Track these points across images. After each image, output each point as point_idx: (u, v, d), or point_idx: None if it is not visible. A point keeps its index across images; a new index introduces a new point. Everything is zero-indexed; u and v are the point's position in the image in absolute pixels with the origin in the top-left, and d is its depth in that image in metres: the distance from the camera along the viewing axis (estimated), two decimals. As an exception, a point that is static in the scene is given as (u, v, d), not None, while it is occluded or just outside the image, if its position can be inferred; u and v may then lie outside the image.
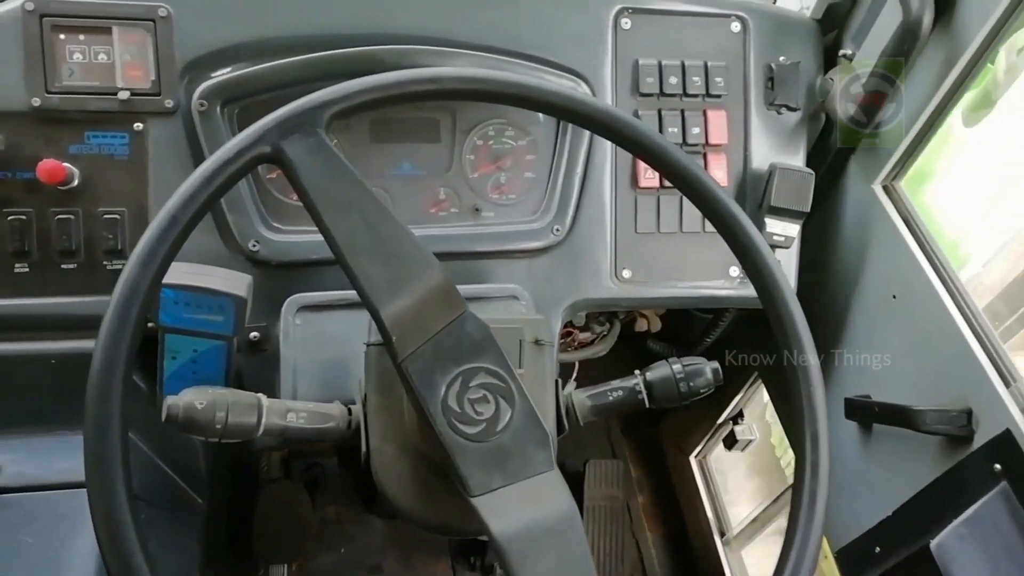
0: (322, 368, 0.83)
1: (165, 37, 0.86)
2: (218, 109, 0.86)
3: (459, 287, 0.88)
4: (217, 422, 0.65)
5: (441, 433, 0.61)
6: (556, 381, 0.75)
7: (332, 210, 0.61)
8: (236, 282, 0.82)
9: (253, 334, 0.89)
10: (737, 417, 1.46)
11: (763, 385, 1.36)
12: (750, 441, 1.45)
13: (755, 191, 1.03)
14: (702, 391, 0.77)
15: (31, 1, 0.82)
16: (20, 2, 0.82)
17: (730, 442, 1.45)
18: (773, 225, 1.00)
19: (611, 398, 0.77)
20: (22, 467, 0.84)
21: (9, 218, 0.83)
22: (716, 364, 0.78)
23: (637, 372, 0.78)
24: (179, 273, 0.80)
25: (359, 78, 0.63)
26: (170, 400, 0.64)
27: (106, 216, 0.85)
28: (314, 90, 0.85)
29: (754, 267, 0.67)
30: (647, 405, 0.77)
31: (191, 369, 0.85)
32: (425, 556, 1.39)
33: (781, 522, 1.47)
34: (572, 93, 0.66)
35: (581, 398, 0.77)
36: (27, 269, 0.84)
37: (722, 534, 1.54)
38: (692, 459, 1.62)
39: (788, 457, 1.76)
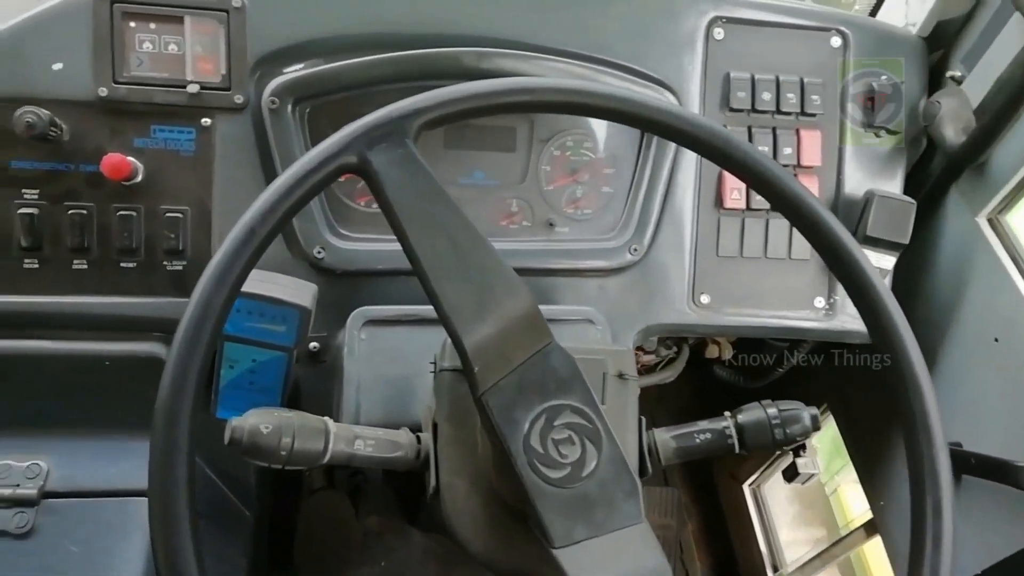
0: (387, 387, 0.78)
1: (238, 29, 0.81)
2: (289, 107, 0.82)
3: None
4: (282, 448, 0.60)
5: (522, 475, 0.56)
6: (640, 419, 0.70)
7: (418, 228, 0.56)
8: (301, 292, 0.78)
9: (313, 344, 0.85)
10: (799, 448, 1.39)
11: (831, 416, 1.29)
12: (812, 475, 1.38)
13: (848, 218, 0.96)
14: (798, 439, 0.71)
15: None
16: (91, -13, 0.79)
17: (791, 474, 1.36)
18: (869, 256, 0.93)
19: (698, 440, 0.71)
20: (70, 471, 0.80)
21: (70, 212, 0.79)
22: (815, 410, 0.72)
23: (727, 414, 0.72)
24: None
25: (452, 86, 0.58)
26: (234, 422, 0.60)
27: (168, 214, 0.81)
28: (390, 91, 0.81)
29: (873, 314, 0.60)
30: (737, 451, 0.71)
31: (248, 379, 0.81)
32: (467, 574, 1.34)
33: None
34: (684, 112, 0.60)
35: (665, 439, 0.71)
36: (85, 266, 0.80)
37: (775, 569, 1.47)
38: (746, 487, 1.56)
39: (833, 485, 1.69)
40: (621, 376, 0.68)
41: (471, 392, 0.58)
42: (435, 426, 0.66)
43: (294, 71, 0.83)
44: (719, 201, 0.95)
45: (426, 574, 1.34)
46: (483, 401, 0.57)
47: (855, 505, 1.58)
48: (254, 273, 0.77)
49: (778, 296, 0.97)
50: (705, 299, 0.95)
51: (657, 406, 1.51)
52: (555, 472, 0.56)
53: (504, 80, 0.59)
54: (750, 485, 1.55)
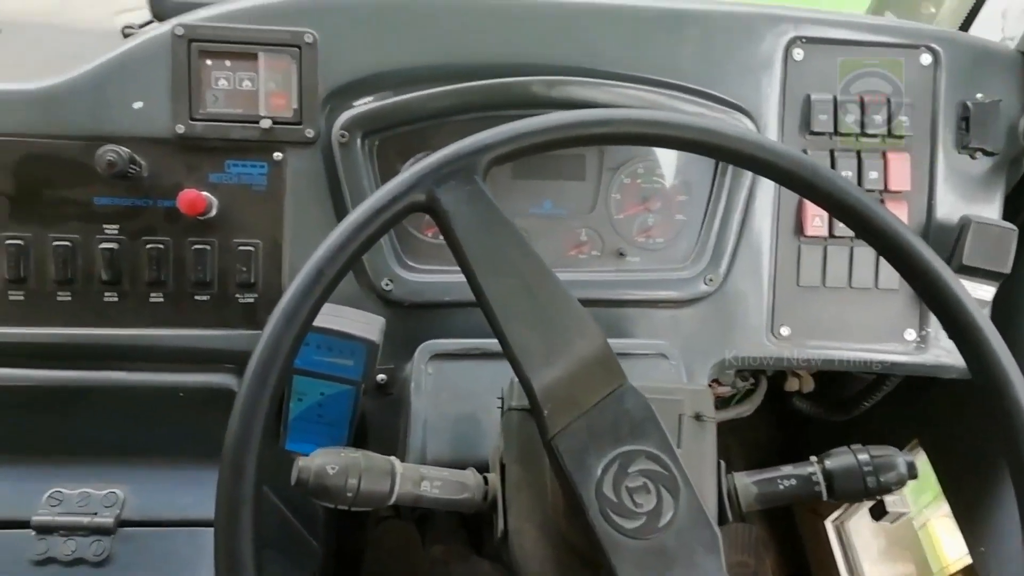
0: (454, 424, 0.77)
1: (310, 64, 0.82)
2: (359, 140, 0.82)
3: None
4: (348, 489, 0.59)
5: (594, 525, 0.53)
6: (719, 463, 0.66)
7: (488, 269, 0.55)
8: (370, 326, 0.77)
9: (381, 376, 0.85)
10: (886, 486, 1.31)
11: (923, 453, 1.21)
12: (902, 514, 1.30)
13: (941, 246, 0.90)
14: (893, 488, 0.66)
15: (181, 26, 0.80)
16: (170, 27, 0.81)
17: (879, 513, 1.29)
18: (966, 287, 0.87)
19: (782, 487, 0.67)
20: (145, 500, 0.82)
21: (148, 247, 0.81)
22: (911, 458, 0.67)
23: (814, 459, 0.68)
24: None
25: (521, 120, 0.57)
26: (301, 463, 0.59)
27: (240, 248, 0.82)
28: (458, 123, 0.81)
29: (974, 350, 0.56)
30: (825, 498, 0.67)
31: (316, 412, 0.81)
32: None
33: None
34: (772, 144, 0.57)
35: (746, 483, 0.67)
36: (162, 299, 0.82)
37: (860, 612, 1.39)
38: (828, 523, 1.48)
39: (922, 519, 1.59)
40: (698, 417, 0.65)
41: (540, 436, 0.56)
42: (503, 467, 0.64)
43: (363, 104, 0.83)
44: (799, 229, 0.90)
45: (493, 605, 1.31)
46: (553, 445, 0.55)
47: (947, 543, 1.48)
48: (324, 307, 0.78)
49: (865, 328, 0.91)
50: (785, 331, 0.90)
51: (732, 439, 1.45)
52: (630, 522, 0.53)
53: (576, 113, 0.58)
54: (833, 521, 1.47)
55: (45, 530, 0.76)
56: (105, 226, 0.81)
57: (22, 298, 0.80)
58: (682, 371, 0.81)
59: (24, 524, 0.76)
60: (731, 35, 0.88)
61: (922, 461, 1.22)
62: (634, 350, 0.82)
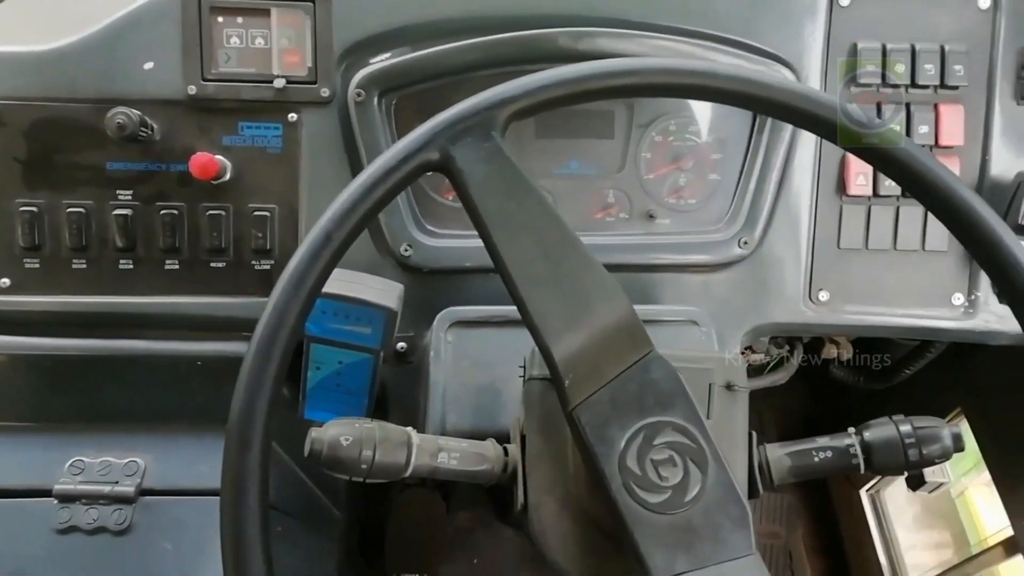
0: (475, 395, 0.74)
1: (324, 19, 0.79)
2: (375, 99, 0.78)
3: None
4: (363, 461, 0.57)
5: (617, 499, 0.51)
6: (751, 434, 0.63)
7: (506, 230, 0.52)
8: (387, 293, 0.75)
9: (400, 344, 0.82)
10: (926, 455, 1.27)
11: (966, 422, 1.16)
12: (940, 484, 1.25)
13: (994, 205, 0.83)
14: (936, 461, 0.62)
15: None
16: (179, -17, 0.78)
17: (916, 483, 1.24)
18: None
19: (817, 459, 0.64)
20: (165, 469, 0.81)
21: (162, 212, 0.79)
22: (957, 428, 0.62)
23: (852, 430, 0.64)
24: (328, 280, 0.74)
25: (542, 72, 0.53)
26: (314, 434, 0.57)
27: (256, 213, 0.80)
28: (480, 79, 0.77)
29: None
30: (863, 471, 0.63)
31: (335, 381, 0.79)
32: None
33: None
34: (817, 95, 0.53)
35: (779, 455, 0.64)
36: (177, 267, 0.80)
37: (897, 583, 1.35)
38: (863, 493, 1.44)
39: (960, 487, 1.54)
40: (729, 387, 0.62)
41: (561, 407, 0.53)
42: (523, 438, 0.61)
43: (381, 61, 0.79)
44: (842, 187, 0.85)
45: (517, 571, 1.31)
46: (574, 417, 0.52)
47: (986, 513, 1.44)
48: (340, 273, 0.76)
49: (909, 292, 0.86)
50: (824, 296, 0.86)
51: (765, 407, 1.42)
52: (654, 496, 0.51)
53: (598, 63, 0.54)
54: (868, 491, 1.44)
55: (67, 499, 0.76)
56: (119, 192, 0.79)
57: (37, 266, 0.79)
58: (713, 338, 0.78)
59: (46, 492, 0.76)
60: (770, -21, 0.83)
61: (964, 429, 1.17)
62: (663, 316, 0.78)
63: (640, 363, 0.53)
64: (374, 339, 0.75)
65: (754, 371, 1.07)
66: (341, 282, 0.74)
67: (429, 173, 0.54)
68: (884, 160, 0.54)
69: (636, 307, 0.78)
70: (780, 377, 1.02)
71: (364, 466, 0.57)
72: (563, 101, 0.54)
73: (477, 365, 0.75)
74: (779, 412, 1.46)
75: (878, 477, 1.40)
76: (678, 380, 0.53)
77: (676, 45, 0.80)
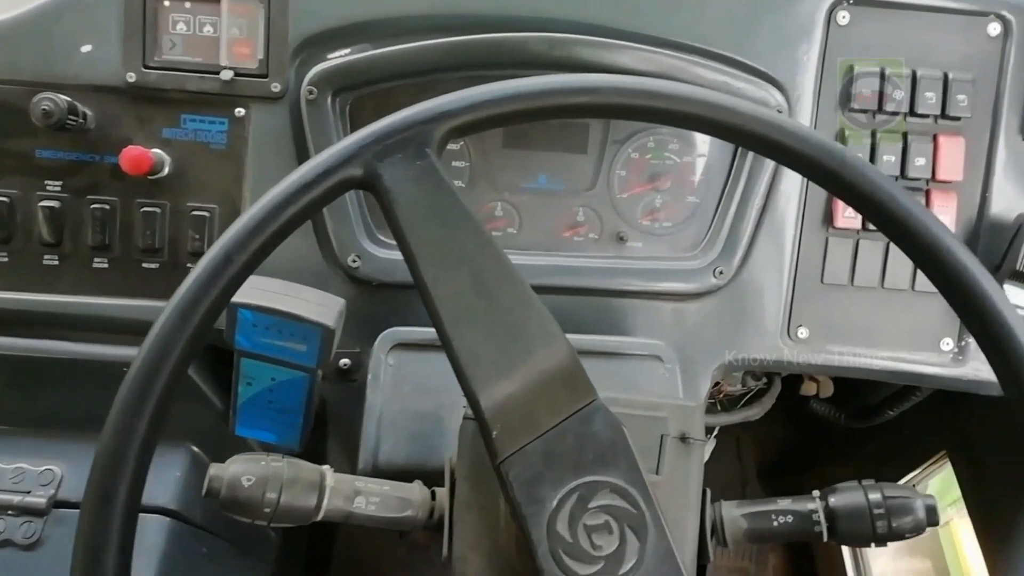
0: (413, 424, 0.69)
1: (280, 9, 0.73)
2: (328, 99, 0.73)
3: (589, 338, 0.73)
4: (266, 504, 0.52)
5: (543, 568, 0.45)
6: (704, 492, 0.57)
7: (435, 260, 0.46)
8: (326, 308, 0.69)
9: (344, 361, 0.77)
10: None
11: (950, 466, 1.10)
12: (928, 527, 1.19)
13: (992, 246, 0.78)
14: (907, 535, 0.57)
15: None
16: (123, -40, 0.72)
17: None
18: (1015, 295, 0.76)
19: (776, 523, 0.58)
20: (83, 479, 0.75)
21: (92, 206, 0.73)
22: (933, 500, 0.57)
23: (816, 494, 0.58)
24: (261, 291, 0.68)
25: (488, 84, 0.47)
26: (213, 471, 0.52)
27: (194, 212, 0.74)
28: (442, 82, 0.71)
29: (1006, 364, 0.46)
30: (825, 539, 0.58)
31: (267, 398, 0.73)
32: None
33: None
34: (799, 128, 0.47)
35: (734, 516, 0.58)
36: (106, 265, 0.75)
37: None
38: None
39: (945, 517, 1.48)
40: (684, 439, 0.56)
41: (489, 459, 0.48)
42: (452, 483, 0.56)
43: (338, 57, 0.74)
44: (829, 218, 0.79)
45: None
46: (502, 471, 0.47)
47: (970, 547, 1.38)
48: (275, 284, 0.70)
49: (896, 334, 0.80)
50: (803, 333, 0.80)
51: (744, 433, 1.36)
52: (584, 567, 0.46)
53: (557, 78, 0.48)
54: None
55: (-27, 508, 0.71)
56: (47, 182, 0.73)
57: (-47, 256, 0.74)
58: (677, 376, 0.72)
59: (-51, 500, 0.71)
60: (764, -8, 0.77)
61: (948, 473, 1.12)
62: (624, 349, 0.72)
63: (580, 413, 0.48)
64: (310, 357, 0.70)
65: (729, 403, 1.02)
66: (276, 294, 0.69)
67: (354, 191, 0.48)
68: (862, 201, 0.48)
69: (595, 338, 0.74)
70: (754, 413, 0.96)
71: (267, 509, 0.52)
72: (510, 119, 0.48)
73: (419, 391, 0.70)
74: (757, 439, 1.40)
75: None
76: (621, 433, 0.48)
77: (658, 58, 0.74)
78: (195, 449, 0.83)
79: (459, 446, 0.56)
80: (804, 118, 0.78)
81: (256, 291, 0.68)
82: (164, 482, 0.80)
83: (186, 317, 0.43)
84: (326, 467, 0.55)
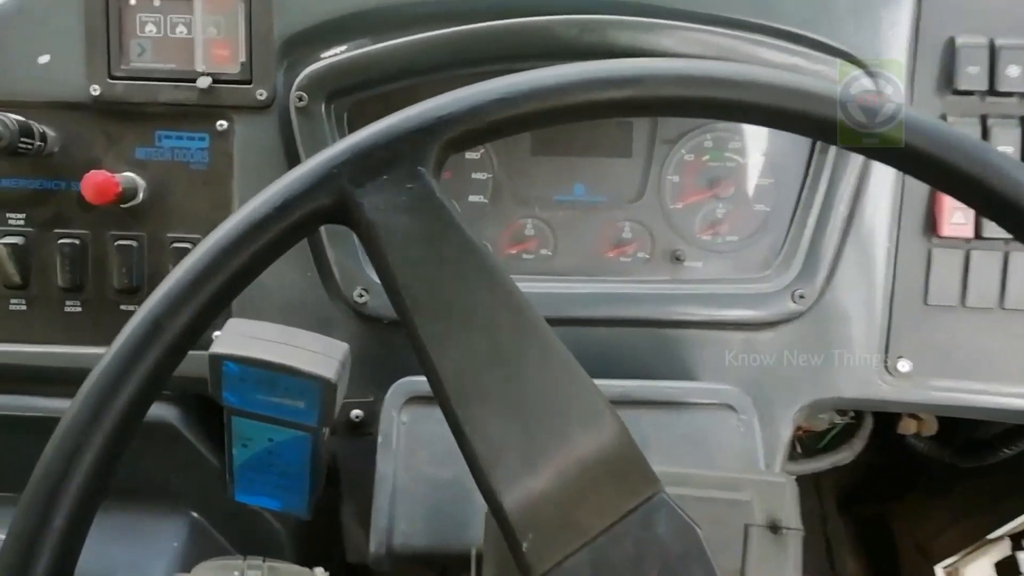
0: (432, 494, 0.57)
1: (262, 3, 0.62)
2: (322, 106, 0.62)
3: (641, 384, 0.61)
4: (238, 627, 0.41)
5: None
6: None
7: (438, 317, 0.35)
8: (326, 357, 0.58)
9: (355, 413, 0.66)
10: (1021, 538, 1.05)
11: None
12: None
13: None
14: None
15: None
16: (81, -45, 0.62)
17: (1007, 572, 1.04)
18: None
19: None
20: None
21: (60, 241, 0.64)
22: None
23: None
24: (250, 339, 0.57)
25: (496, 79, 0.36)
26: None
27: (176, 244, 0.64)
28: (455, 80, 0.60)
29: None
30: None
31: (267, 460, 0.62)
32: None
33: None
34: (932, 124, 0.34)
35: None
36: (79, 308, 0.65)
37: None
38: (940, 569, 1.22)
39: None
40: (775, 528, 0.43)
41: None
42: None
43: (333, 56, 0.63)
44: (931, 225, 0.65)
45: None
46: None
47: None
48: (269, 328, 0.59)
49: (1020, 365, 0.66)
50: (904, 366, 0.66)
51: (824, 480, 1.21)
52: None
53: (580, 68, 0.36)
54: (945, 568, 1.22)
55: None
56: (8, 215, 0.64)
57: (-93, 305, 0.65)
58: (756, 432, 0.58)
59: None
60: (843, -47, 0.63)
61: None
62: (687, 398, 0.59)
63: (638, 512, 0.35)
64: (310, 415, 0.59)
65: (812, 439, 0.88)
66: (267, 342, 0.57)
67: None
68: (986, 196, 0.35)
69: (649, 384, 0.61)
70: (843, 457, 0.82)
71: None
72: (528, 123, 0.36)
73: (439, 456, 0.58)
74: (842, 488, 1.25)
75: (960, 554, 1.19)
76: (694, 537, 0.35)
77: (715, 39, 0.61)
78: (195, 515, 0.73)
79: (485, 540, 0.44)
80: (897, 102, 0.64)
81: (244, 339, 0.57)
82: (161, 553, 0.71)
83: (96, 409, 0.32)
84: (319, 569, 0.43)
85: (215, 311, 0.35)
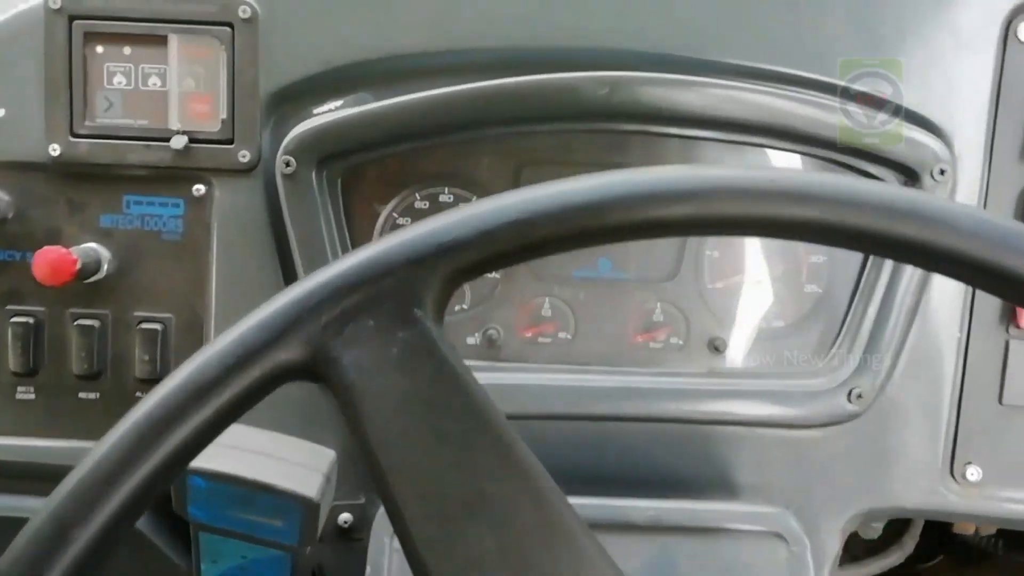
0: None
1: (246, 51, 0.54)
2: (312, 172, 0.54)
3: (677, 506, 0.52)
4: None
5: None
6: None
7: (436, 508, 0.26)
8: (309, 470, 0.50)
9: (344, 517, 0.58)
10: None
11: None
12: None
13: None
14: None
15: None
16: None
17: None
18: None
19: None
20: None
21: (12, 320, 0.56)
22: None
23: None
24: (225, 448, 0.49)
25: (507, 194, 0.28)
26: None
27: (143, 325, 0.56)
28: (464, 144, 0.53)
29: None
30: None
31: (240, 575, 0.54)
32: None
33: None
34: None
35: None
36: (32, 396, 0.57)
37: None
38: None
39: None
40: None
41: None
42: None
43: (326, 113, 0.55)
44: (1009, 314, 0.57)
45: None
46: None
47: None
48: (250, 435, 0.51)
49: (1109, 476, 0.57)
50: (974, 474, 0.58)
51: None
52: None
53: (622, 177, 0.28)
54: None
55: None
56: (-44, 290, 0.56)
57: None
58: (809, 566, 0.50)
59: None
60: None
61: None
62: (729, 523, 0.51)
63: None
64: (289, 535, 0.51)
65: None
66: (243, 451, 0.50)
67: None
68: None
69: (685, 506, 0.52)
70: (893, 560, 0.73)
71: None
72: (551, 246, 0.28)
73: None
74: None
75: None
76: None
77: (764, 100, 0.53)
78: None
79: None
80: (973, 173, 0.56)
81: (217, 448, 0.49)
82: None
83: None
84: None
85: (138, 514, 0.27)
